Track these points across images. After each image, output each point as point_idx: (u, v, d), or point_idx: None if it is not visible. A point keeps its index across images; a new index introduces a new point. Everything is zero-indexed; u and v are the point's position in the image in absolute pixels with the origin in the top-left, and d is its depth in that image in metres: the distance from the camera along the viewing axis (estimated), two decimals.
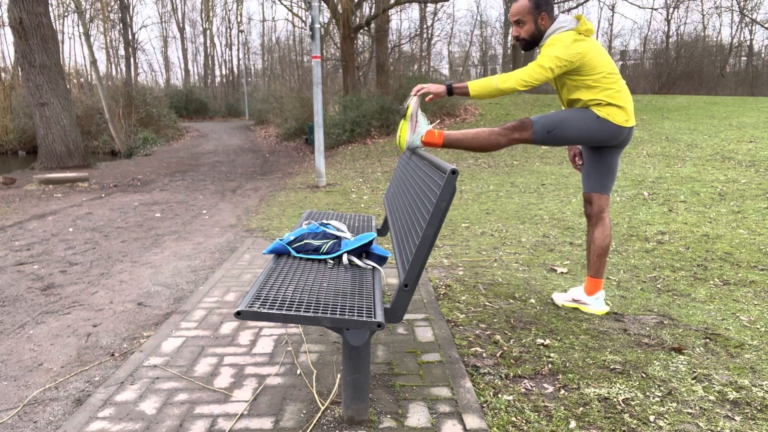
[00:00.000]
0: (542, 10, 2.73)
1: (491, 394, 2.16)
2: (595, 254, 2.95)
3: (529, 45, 2.79)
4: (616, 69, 2.71)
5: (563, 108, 2.96)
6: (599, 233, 2.93)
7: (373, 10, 17.56)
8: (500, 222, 5.47)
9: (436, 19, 33.13)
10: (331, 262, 2.44)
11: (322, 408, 2.06)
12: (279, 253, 2.53)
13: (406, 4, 21.72)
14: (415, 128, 2.70)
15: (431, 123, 2.80)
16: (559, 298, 3.16)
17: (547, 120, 2.71)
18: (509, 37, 31.69)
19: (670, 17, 32.14)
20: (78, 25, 32.04)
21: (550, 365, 2.39)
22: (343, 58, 16.89)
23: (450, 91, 2.70)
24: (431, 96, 2.74)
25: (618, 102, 2.67)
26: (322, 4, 14.73)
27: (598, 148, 2.87)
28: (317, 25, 8.40)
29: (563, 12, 31.87)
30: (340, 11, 15.77)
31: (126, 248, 4.78)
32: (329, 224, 2.79)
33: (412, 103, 2.71)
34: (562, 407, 2.06)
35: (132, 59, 32.09)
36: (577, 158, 3.10)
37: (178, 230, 5.51)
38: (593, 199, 2.92)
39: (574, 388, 2.20)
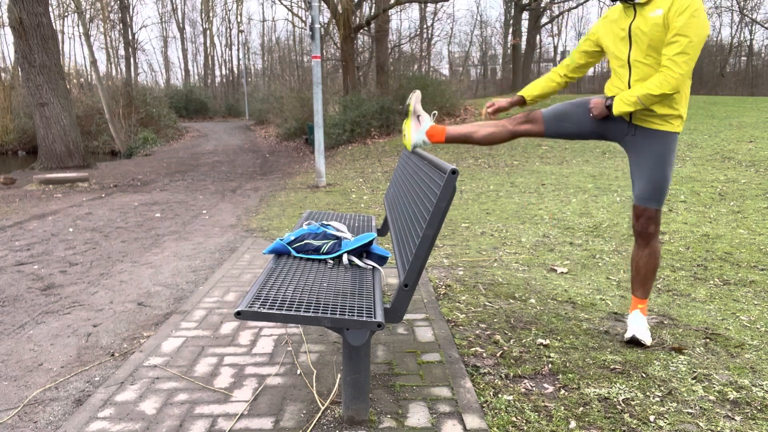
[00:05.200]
0: None
1: (491, 394, 2.16)
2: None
3: None
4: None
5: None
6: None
7: (373, 10, 17.55)
8: (500, 222, 5.46)
9: (436, 19, 33.13)
10: (331, 262, 2.44)
11: (322, 408, 2.06)
12: (279, 253, 2.53)
13: (406, 4, 21.72)
14: (419, 125, 2.67)
15: (433, 117, 2.76)
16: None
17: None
18: (509, 38, 31.64)
19: None
20: (78, 25, 32.02)
21: (550, 365, 2.39)
22: (343, 58, 16.88)
23: (610, 108, 2.39)
24: (595, 114, 2.46)
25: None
26: (322, 4, 14.74)
27: None
28: (317, 25, 8.40)
29: (562, 12, 31.81)
30: (340, 11, 15.76)
31: (126, 248, 4.78)
32: (329, 225, 2.79)
33: (413, 100, 2.68)
34: (562, 407, 2.06)
35: (132, 59, 32.06)
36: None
37: (178, 230, 5.51)
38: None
39: (574, 388, 2.20)
